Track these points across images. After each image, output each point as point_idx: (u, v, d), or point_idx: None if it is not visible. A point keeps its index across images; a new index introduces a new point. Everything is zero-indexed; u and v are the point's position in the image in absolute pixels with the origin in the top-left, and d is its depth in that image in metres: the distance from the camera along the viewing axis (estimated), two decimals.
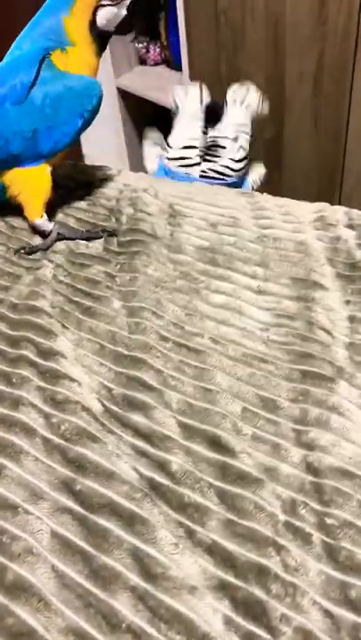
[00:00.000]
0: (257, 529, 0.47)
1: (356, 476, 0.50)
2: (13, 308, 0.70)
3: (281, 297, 0.69)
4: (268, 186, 1.60)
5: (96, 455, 0.52)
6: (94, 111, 0.85)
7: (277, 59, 1.43)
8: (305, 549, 0.45)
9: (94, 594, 0.44)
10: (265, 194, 0.93)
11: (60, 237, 0.84)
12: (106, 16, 0.83)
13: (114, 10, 0.83)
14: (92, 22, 0.82)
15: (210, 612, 0.42)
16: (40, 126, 0.81)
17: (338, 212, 0.83)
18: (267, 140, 1.55)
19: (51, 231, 0.84)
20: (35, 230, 0.85)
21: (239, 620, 0.42)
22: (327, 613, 0.42)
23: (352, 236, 0.78)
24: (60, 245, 0.82)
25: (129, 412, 0.58)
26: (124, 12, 0.83)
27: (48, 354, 0.63)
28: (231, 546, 0.46)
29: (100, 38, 0.84)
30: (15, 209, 0.87)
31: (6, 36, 0.94)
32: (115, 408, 0.58)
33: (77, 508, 0.49)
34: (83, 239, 0.84)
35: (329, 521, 0.47)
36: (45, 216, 0.84)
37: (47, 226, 0.84)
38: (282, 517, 0.47)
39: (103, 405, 0.58)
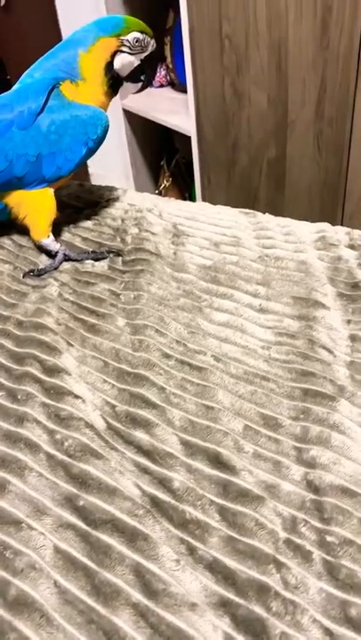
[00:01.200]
0: (258, 546, 0.47)
1: (356, 493, 0.50)
2: (19, 325, 0.72)
3: (282, 315, 0.70)
4: (270, 206, 1.63)
5: (99, 471, 0.53)
6: (99, 140, 0.88)
7: (280, 82, 1.46)
8: (305, 567, 0.46)
9: (96, 610, 0.44)
10: (267, 214, 0.94)
11: (67, 259, 0.86)
12: (122, 61, 0.87)
13: (130, 58, 0.87)
14: (109, 64, 0.86)
15: (210, 629, 0.42)
16: (44, 151, 0.84)
17: (339, 233, 0.84)
18: (270, 160, 1.58)
19: (57, 252, 0.86)
20: (41, 250, 0.87)
21: (240, 637, 0.42)
22: (327, 632, 0.42)
23: (353, 256, 0.79)
24: (66, 265, 0.83)
25: (132, 428, 0.58)
26: (138, 62, 0.88)
27: (53, 371, 0.64)
28: (232, 563, 0.46)
29: (113, 81, 0.88)
30: (21, 228, 0.89)
31: (18, 65, 0.97)
32: (118, 425, 0.59)
33: (80, 523, 0.49)
34: (88, 259, 0.86)
35: (329, 539, 0.47)
36: (52, 236, 0.86)
37: (54, 246, 0.86)
38: (282, 535, 0.48)
39: (106, 422, 0.59)
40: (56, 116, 0.84)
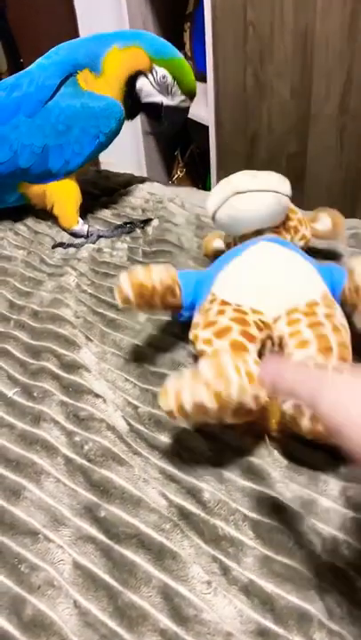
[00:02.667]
0: (297, 568, 0.43)
1: None
2: (35, 316, 0.67)
3: None
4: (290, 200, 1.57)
5: (122, 479, 0.49)
6: (112, 134, 0.82)
7: (305, 73, 1.41)
8: (350, 596, 0.41)
9: (119, 635, 0.40)
10: None
11: (100, 236, 0.82)
12: (142, 85, 0.82)
13: (152, 89, 0.82)
14: (132, 77, 0.81)
15: None
16: (50, 142, 0.78)
17: None
18: (290, 154, 1.53)
19: (89, 233, 0.82)
20: (75, 236, 0.84)
21: None
22: None
23: None
24: (84, 253, 0.79)
25: (156, 431, 0.54)
26: (159, 99, 0.82)
27: (71, 366, 0.60)
28: (269, 586, 0.42)
29: (132, 103, 0.82)
30: (36, 213, 0.84)
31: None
32: (140, 427, 0.55)
33: (101, 537, 0.45)
34: (122, 234, 0.82)
35: None
36: (81, 220, 0.83)
37: (84, 230, 0.83)
38: (324, 557, 0.43)
39: (128, 424, 0.55)
40: (66, 104, 0.78)
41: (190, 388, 0.44)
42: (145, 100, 0.83)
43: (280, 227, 0.65)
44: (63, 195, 0.82)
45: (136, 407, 0.57)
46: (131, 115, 0.85)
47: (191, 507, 0.47)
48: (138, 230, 0.84)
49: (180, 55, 0.82)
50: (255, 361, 0.49)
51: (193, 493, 0.48)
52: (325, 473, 0.50)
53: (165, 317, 0.67)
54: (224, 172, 1.75)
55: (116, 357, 0.62)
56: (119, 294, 0.56)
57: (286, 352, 0.50)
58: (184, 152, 1.91)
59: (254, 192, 0.60)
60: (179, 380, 0.45)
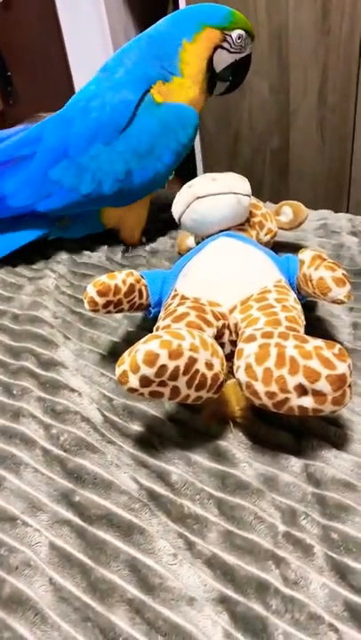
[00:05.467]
0: (256, 541, 0.46)
1: (357, 488, 0.49)
2: (15, 319, 0.71)
3: None
4: (274, 196, 1.61)
5: (95, 465, 0.52)
6: (190, 141, 0.79)
7: (281, 69, 1.43)
8: (306, 561, 0.44)
9: (92, 607, 0.43)
10: (267, 202, 0.92)
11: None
12: (221, 58, 0.78)
13: (228, 56, 0.78)
14: (210, 59, 0.77)
15: (209, 625, 0.41)
16: (133, 166, 0.76)
17: (341, 220, 0.83)
18: (273, 150, 1.56)
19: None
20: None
21: (239, 635, 0.41)
22: (331, 627, 0.41)
23: (355, 242, 0.77)
24: (63, 255, 0.82)
25: (129, 421, 0.57)
26: (232, 60, 0.79)
27: (49, 364, 0.63)
28: (231, 558, 0.45)
29: (211, 79, 0.79)
30: None
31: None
32: (115, 418, 0.58)
33: (76, 519, 0.48)
34: None
35: (332, 533, 0.46)
36: (143, 239, 0.85)
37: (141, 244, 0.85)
38: (282, 528, 0.46)
39: (103, 415, 0.58)
40: (145, 125, 0.75)
41: (143, 344, 0.48)
42: (220, 67, 0.79)
43: (245, 224, 0.68)
44: (134, 217, 0.81)
45: (111, 399, 0.60)
46: (210, 91, 0.81)
47: (160, 489, 0.50)
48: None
49: (228, 7, 0.79)
50: (212, 338, 0.52)
51: (162, 477, 0.51)
52: (288, 451, 0.53)
53: (141, 314, 0.70)
54: (210, 171, 1.79)
55: (93, 354, 0.66)
56: (85, 297, 0.59)
57: (240, 335, 0.53)
58: None
59: (214, 195, 0.63)
60: (133, 347, 0.48)
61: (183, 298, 0.57)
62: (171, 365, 0.47)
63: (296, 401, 0.47)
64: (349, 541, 0.45)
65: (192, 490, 0.50)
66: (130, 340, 0.67)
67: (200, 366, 0.48)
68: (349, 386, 0.47)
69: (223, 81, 0.82)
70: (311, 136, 1.49)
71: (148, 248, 0.84)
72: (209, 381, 0.49)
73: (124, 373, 0.48)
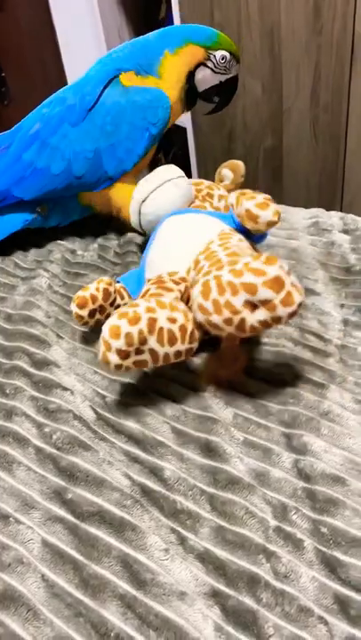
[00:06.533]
0: (247, 536, 0.46)
1: (347, 482, 0.49)
2: (8, 319, 0.71)
3: None
4: (268, 194, 1.61)
5: (87, 463, 0.52)
6: (162, 123, 0.80)
7: (274, 69, 1.44)
8: (296, 555, 0.45)
9: (84, 603, 0.43)
10: None
11: None
12: (203, 76, 0.81)
13: (211, 75, 0.81)
14: (191, 74, 0.81)
15: (200, 619, 0.41)
16: (102, 145, 0.78)
17: (333, 218, 0.83)
18: (266, 149, 1.56)
19: None
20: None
21: (229, 628, 0.41)
22: (321, 620, 0.41)
23: (347, 240, 0.77)
24: (56, 254, 0.82)
25: (122, 418, 0.58)
26: (217, 81, 0.82)
27: (42, 364, 0.63)
28: (222, 553, 0.45)
29: (190, 95, 0.83)
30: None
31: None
32: (108, 415, 0.58)
33: (68, 516, 0.49)
34: None
35: (322, 527, 0.46)
36: None
37: None
38: (273, 523, 0.47)
39: (96, 413, 0.58)
40: (111, 104, 0.78)
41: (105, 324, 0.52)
42: (204, 87, 0.83)
43: (195, 201, 0.73)
44: (127, 196, 0.81)
45: (104, 397, 0.60)
46: (189, 105, 0.84)
47: (153, 484, 0.51)
48: (112, 232, 0.88)
49: (216, 30, 0.82)
50: (174, 300, 0.56)
51: (155, 472, 0.52)
52: (279, 447, 0.53)
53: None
54: (205, 171, 1.79)
55: (86, 352, 0.66)
56: (74, 316, 0.64)
57: None
58: (167, 155, 1.94)
59: (153, 192, 0.69)
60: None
61: (147, 281, 0.63)
62: (134, 331, 0.51)
63: (252, 317, 0.50)
64: (339, 535, 0.45)
65: (185, 485, 0.50)
66: None
67: (162, 323, 0.52)
68: (294, 285, 0.49)
69: (208, 101, 0.86)
70: (304, 135, 1.49)
71: (139, 241, 0.85)
72: (178, 333, 0.53)
73: (103, 355, 0.52)
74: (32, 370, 0.63)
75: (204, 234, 0.62)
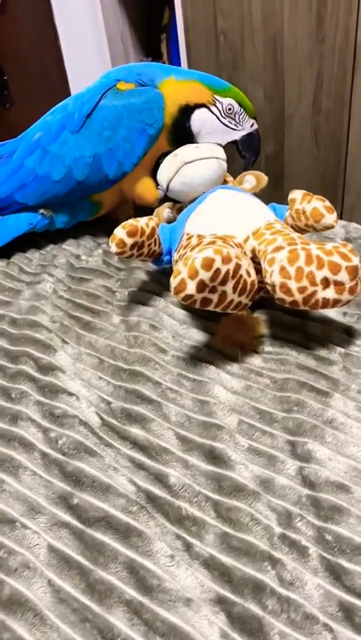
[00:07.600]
0: (253, 542, 0.46)
1: (351, 490, 0.49)
2: (13, 324, 0.71)
3: (276, 310, 0.69)
4: (269, 202, 1.62)
5: (93, 469, 0.53)
6: (159, 124, 0.80)
7: (276, 76, 1.45)
8: (301, 562, 0.45)
9: (90, 608, 0.43)
10: None
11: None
12: (203, 116, 0.80)
13: (218, 124, 0.81)
14: (187, 108, 0.80)
15: (206, 625, 0.42)
16: (101, 149, 0.80)
17: (336, 226, 0.84)
18: (268, 155, 1.57)
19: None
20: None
21: (235, 635, 0.41)
22: (326, 627, 0.42)
23: None
24: (61, 259, 0.83)
25: (127, 424, 0.58)
26: (230, 137, 0.83)
27: (47, 369, 0.64)
28: (228, 560, 0.46)
29: (180, 128, 0.81)
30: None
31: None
32: (113, 421, 0.58)
33: (74, 522, 0.49)
34: None
35: (326, 535, 0.47)
36: (160, 193, 0.88)
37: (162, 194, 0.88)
38: (278, 530, 0.47)
39: (101, 419, 0.58)
40: (107, 109, 0.79)
41: (199, 253, 0.54)
42: (201, 131, 0.82)
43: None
44: (137, 185, 0.86)
45: (109, 403, 0.61)
46: (175, 142, 0.82)
47: (158, 491, 0.51)
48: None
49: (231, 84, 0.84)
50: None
51: (160, 479, 0.52)
52: (283, 454, 0.53)
53: (137, 318, 0.70)
54: None
55: (91, 357, 0.66)
56: (113, 240, 0.65)
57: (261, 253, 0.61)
58: None
59: (200, 160, 0.72)
60: (185, 260, 0.54)
61: (200, 236, 0.65)
62: (223, 269, 0.54)
63: (321, 294, 0.56)
64: (343, 543, 0.46)
65: (190, 492, 0.50)
66: (127, 343, 0.68)
67: (243, 272, 0.56)
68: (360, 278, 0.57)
69: (241, 157, 0.89)
70: (306, 142, 1.50)
71: None
72: (248, 286, 0.57)
73: (181, 281, 0.54)
74: (37, 375, 0.63)
75: (261, 214, 0.68)
